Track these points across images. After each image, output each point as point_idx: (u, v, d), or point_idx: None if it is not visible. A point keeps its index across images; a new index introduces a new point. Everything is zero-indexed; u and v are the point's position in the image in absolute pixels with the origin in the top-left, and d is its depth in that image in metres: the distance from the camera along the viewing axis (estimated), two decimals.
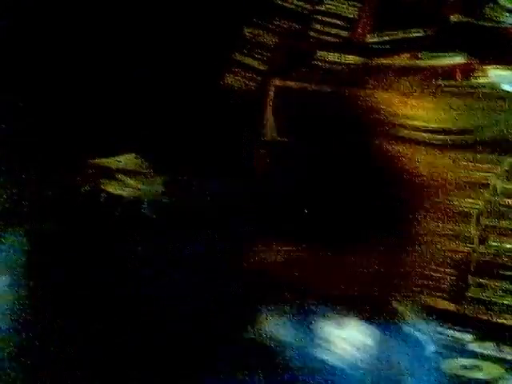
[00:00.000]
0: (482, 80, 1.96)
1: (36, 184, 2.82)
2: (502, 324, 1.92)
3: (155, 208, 2.85)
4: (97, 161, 2.91)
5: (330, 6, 2.32)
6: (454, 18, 2.05)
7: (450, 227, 2.02)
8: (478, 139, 1.99)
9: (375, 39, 2.23)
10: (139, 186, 2.87)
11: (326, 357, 0.90)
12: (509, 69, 1.97)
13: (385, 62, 2.19)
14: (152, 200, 2.86)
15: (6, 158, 2.72)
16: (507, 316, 1.91)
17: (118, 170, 2.89)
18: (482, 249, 1.97)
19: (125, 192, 2.84)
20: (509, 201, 1.96)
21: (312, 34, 2.35)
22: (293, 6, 2.41)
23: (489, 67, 1.98)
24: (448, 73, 2.04)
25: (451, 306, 2.01)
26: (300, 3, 2.40)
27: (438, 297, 2.05)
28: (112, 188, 2.85)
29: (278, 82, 2.40)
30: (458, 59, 2.05)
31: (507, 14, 1.96)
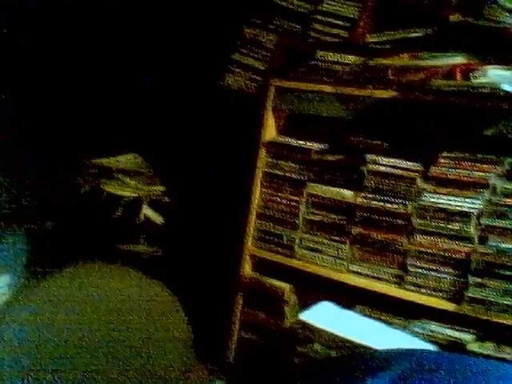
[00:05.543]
0: (481, 80, 1.96)
1: (36, 184, 2.82)
2: (502, 324, 1.92)
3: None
4: (97, 161, 2.91)
5: (329, 6, 2.32)
6: (453, 18, 2.05)
7: (450, 227, 2.02)
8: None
9: (375, 39, 2.23)
10: (139, 186, 2.88)
11: None
12: (509, 69, 1.97)
13: (385, 62, 2.19)
14: (152, 200, 2.87)
15: (7, 158, 2.72)
16: (507, 316, 1.91)
17: (118, 170, 2.90)
18: (482, 249, 1.97)
19: (125, 192, 2.85)
20: (509, 201, 1.96)
21: (312, 34, 2.35)
22: (293, 6, 2.41)
23: (489, 67, 1.98)
24: (448, 73, 2.04)
25: (451, 306, 2.01)
26: (300, 3, 2.40)
27: (438, 297, 2.05)
28: (112, 188, 2.85)
29: (278, 82, 2.41)
30: (458, 59, 2.05)
31: (507, 14, 1.96)
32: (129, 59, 2.89)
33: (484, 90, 1.95)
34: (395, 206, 2.12)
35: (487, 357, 1.90)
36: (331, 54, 2.30)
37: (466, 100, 1.98)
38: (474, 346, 1.95)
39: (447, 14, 2.07)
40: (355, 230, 2.21)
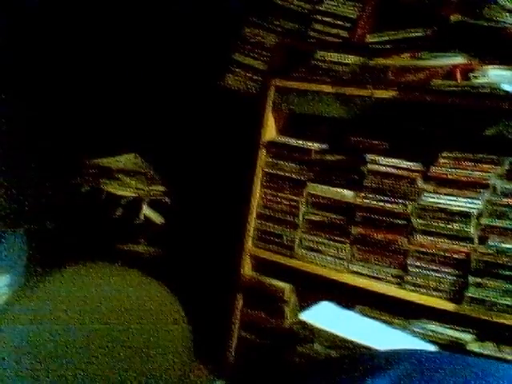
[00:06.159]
0: (481, 80, 1.96)
1: (36, 184, 2.82)
2: (502, 324, 1.92)
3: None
4: (97, 161, 2.91)
5: (329, 6, 2.32)
6: (453, 17, 2.05)
7: (450, 227, 2.02)
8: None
9: (375, 39, 2.23)
10: (139, 186, 2.87)
11: None
12: (509, 69, 1.97)
13: (385, 62, 2.19)
14: (152, 200, 2.87)
15: (7, 158, 2.72)
16: (507, 316, 1.91)
17: (118, 170, 2.89)
18: (481, 249, 1.97)
19: (125, 192, 2.85)
20: (509, 201, 1.96)
21: (312, 33, 2.35)
22: (293, 6, 2.41)
23: (489, 67, 1.98)
24: (448, 73, 2.04)
25: (451, 306, 2.01)
26: (300, 3, 2.40)
27: (438, 297, 2.05)
28: (112, 188, 2.85)
29: (278, 82, 2.41)
30: (458, 59, 2.05)
31: (507, 14, 1.96)
32: (129, 59, 2.89)
33: (484, 90, 1.95)
34: (395, 205, 2.12)
35: (487, 357, 1.90)
36: (331, 54, 2.30)
37: (466, 100, 1.98)
38: (474, 346, 1.95)
39: (447, 13, 2.07)
40: (355, 230, 2.21)
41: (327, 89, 2.28)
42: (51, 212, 2.81)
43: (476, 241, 1.99)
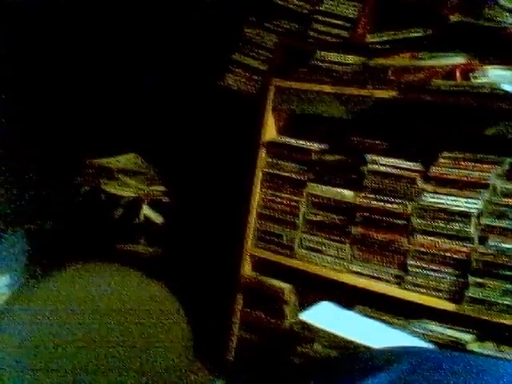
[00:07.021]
0: (481, 80, 1.96)
1: (36, 184, 2.82)
2: (502, 324, 1.92)
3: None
4: (97, 161, 2.91)
5: (329, 6, 2.32)
6: (453, 17, 2.05)
7: (450, 227, 2.02)
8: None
9: (375, 39, 2.23)
10: (139, 186, 2.88)
11: None
12: (509, 69, 1.97)
13: (385, 62, 2.19)
14: (152, 200, 2.87)
15: (7, 158, 2.72)
16: (507, 316, 1.91)
17: (118, 170, 2.90)
18: (481, 249, 1.97)
19: (125, 192, 2.85)
20: (509, 201, 1.96)
21: (312, 33, 2.35)
22: (293, 6, 2.41)
23: (489, 67, 1.98)
24: (448, 73, 2.04)
25: (451, 306, 2.01)
26: (300, 3, 2.40)
27: (438, 297, 2.05)
28: (112, 188, 2.85)
29: (278, 82, 2.41)
30: (458, 59, 2.05)
31: (507, 14, 1.96)
32: (129, 59, 2.89)
33: (484, 90, 1.95)
34: (395, 205, 2.12)
35: (487, 357, 1.90)
36: (331, 54, 2.30)
37: (465, 100, 1.98)
38: (474, 346, 1.95)
39: (447, 13, 2.07)
40: (355, 230, 2.21)
41: (327, 89, 2.28)
42: (51, 212, 2.82)
43: (476, 241, 1.99)
